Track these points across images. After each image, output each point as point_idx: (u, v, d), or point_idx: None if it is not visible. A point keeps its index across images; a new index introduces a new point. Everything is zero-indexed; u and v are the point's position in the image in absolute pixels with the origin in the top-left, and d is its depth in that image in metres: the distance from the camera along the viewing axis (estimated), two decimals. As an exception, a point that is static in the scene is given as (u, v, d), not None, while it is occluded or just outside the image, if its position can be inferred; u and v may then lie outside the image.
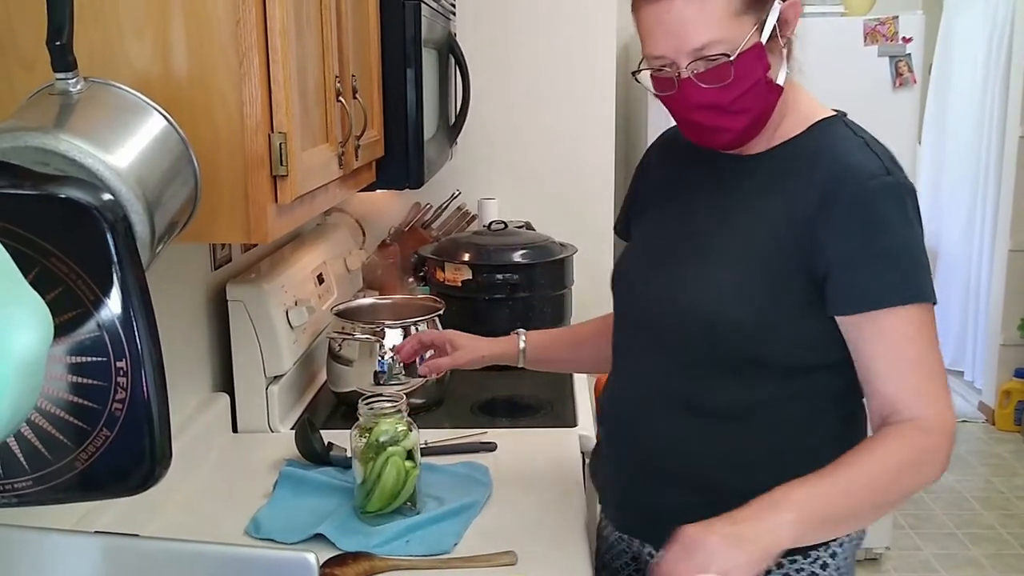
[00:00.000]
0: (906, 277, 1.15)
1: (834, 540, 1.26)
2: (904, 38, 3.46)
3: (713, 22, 1.12)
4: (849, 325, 1.17)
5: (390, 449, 1.42)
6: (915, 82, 3.48)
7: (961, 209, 4.87)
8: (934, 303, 1.17)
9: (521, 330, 1.61)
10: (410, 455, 1.44)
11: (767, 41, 1.15)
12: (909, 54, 3.44)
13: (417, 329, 1.90)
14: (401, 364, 1.87)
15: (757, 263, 1.20)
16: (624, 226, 1.46)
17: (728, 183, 1.27)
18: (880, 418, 1.18)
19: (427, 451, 1.64)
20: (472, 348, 1.59)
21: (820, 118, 1.25)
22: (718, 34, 1.12)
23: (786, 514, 1.06)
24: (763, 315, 1.19)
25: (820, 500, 1.10)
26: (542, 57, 2.72)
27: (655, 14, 1.13)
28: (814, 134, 1.23)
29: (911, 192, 1.18)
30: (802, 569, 1.25)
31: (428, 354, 1.63)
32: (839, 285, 1.16)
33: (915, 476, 1.15)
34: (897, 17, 3.43)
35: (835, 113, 1.27)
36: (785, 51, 1.18)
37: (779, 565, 1.24)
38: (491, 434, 1.78)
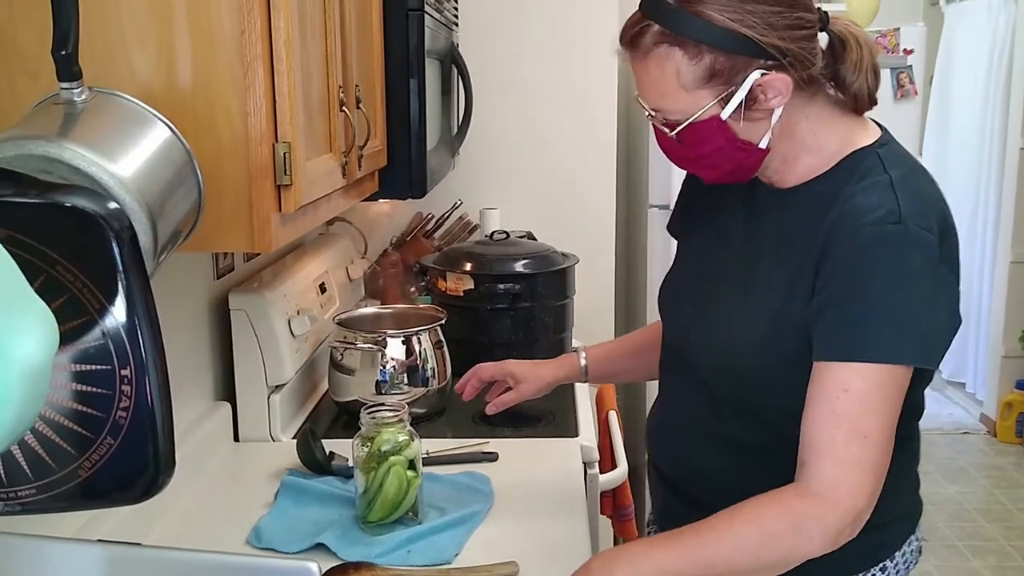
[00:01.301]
0: (877, 334, 1.05)
1: (886, 556, 1.22)
2: (905, 50, 3.49)
3: (663, 92, 1.12)
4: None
5: (392, 459, 1.42)
6: (916, 94, 3.50)
7: (962, 220, 4.86)
8: (920, 366, 1.09)
9: (579, 346, 1.60)
10: (412, 465, 1.44)
11: (747, 109, 1.10)
12: (910, 66, 3.46)
13: (419, 339, 1.90)
14: (405, 374, 1.88)
15: (776, 307, 1.15)
16: (674, 226, 1.42)
17: (761, 215, 1.22)
18: (798, 464, 1.09)
19: (429, 461, 1.64)
20: (536, 377, 1.57)
21: (856, 148, 1.16)
22: (668, 104, 1.12)
23: (618, 571, 1.03)
24: (777, 366, 1.15)
25: (660, 563, 1.04)
26: (544, 68, 2.72)
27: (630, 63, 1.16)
28: (844, 167, 1.15)
29: (923, 244, 1.06)
30: None
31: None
32: (814, 331, 1.10)
33: (786, 546, 1.04)
34: (899, 29, 3.45)
35: (876, 139, 1.17)
36: (780, 112, 1.11)
37: None
38: (493, 444, 1.77)
